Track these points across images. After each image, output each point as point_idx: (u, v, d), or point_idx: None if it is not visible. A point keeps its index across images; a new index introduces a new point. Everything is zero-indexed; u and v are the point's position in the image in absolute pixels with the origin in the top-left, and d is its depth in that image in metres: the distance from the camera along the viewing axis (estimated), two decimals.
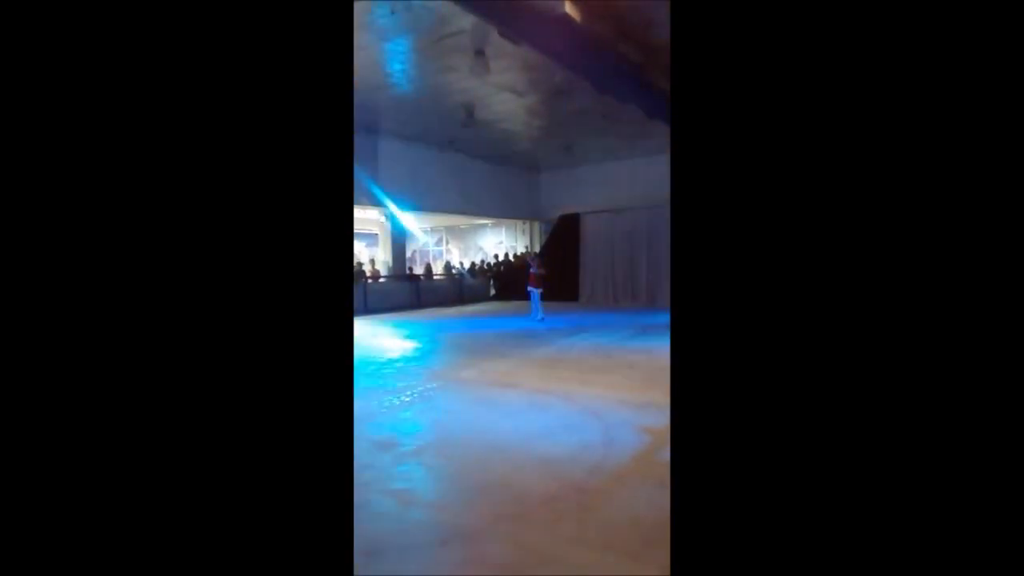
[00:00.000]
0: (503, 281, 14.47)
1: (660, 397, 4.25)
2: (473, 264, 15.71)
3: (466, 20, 5.92)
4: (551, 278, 10.64)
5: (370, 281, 11.73)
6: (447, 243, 19.02)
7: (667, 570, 1.88)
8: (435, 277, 14.18)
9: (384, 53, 7.01)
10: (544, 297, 9.58)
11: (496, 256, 16.05)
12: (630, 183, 13.26)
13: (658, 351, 6.47)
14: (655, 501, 2.44)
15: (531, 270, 9.63)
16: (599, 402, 4.14)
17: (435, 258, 18.05)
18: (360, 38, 6.36)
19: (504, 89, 8.48)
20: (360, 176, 9.97)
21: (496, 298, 14.26)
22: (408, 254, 14.73)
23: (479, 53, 6.75)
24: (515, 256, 15.82)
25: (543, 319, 9.28)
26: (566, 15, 5.55)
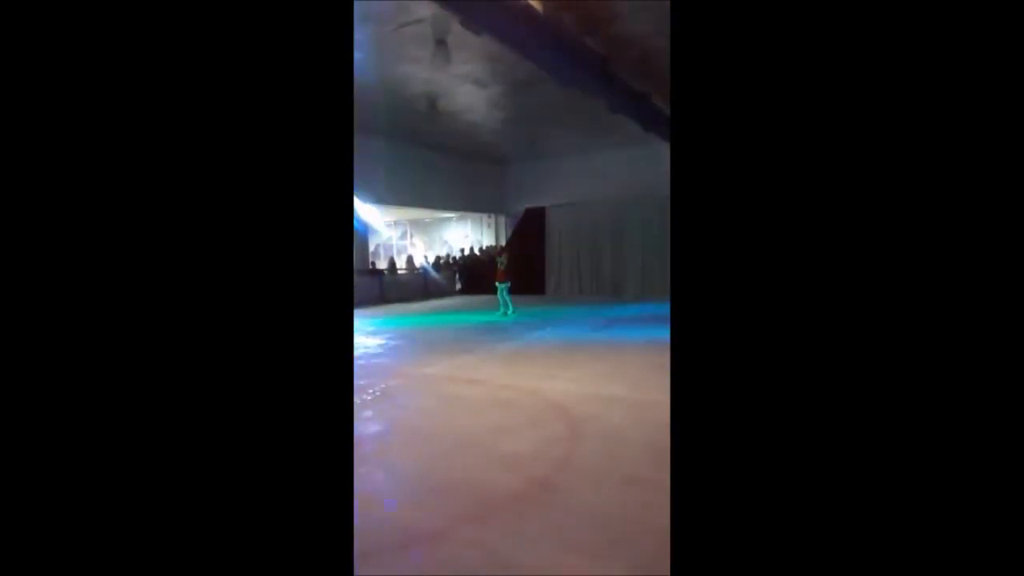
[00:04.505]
0: (469, 275, 14.37)
1: (626, 391, 4.27)
2: (438, 258, 15.54)
3: (426, 9, 5.79)
4: (517, 271, 10.63)
5: None
6: (411, 237, 18.78)
7: (630, 568, 1.86)
8: (399, 272, 13.97)
9: None
10: (511, 291, 9.57)
11: (462, 250, 15.92)
12: (595, 177, 13.31)
13: (623, 344, 6.51)
14: (620, 498, 2.43)
15: (497, 265, 9.63)
16: (565, 396, 4.13)
17: (399, 252, 17.80)
18: None
19: (467, 80, 8.36)
20: None
21: (463, 292, 14.16)
22: (372, 248, 14.46)
23: (440, 43, 6.62)
24: (481, 250, 15.72)
25: (506, 313, 9.28)
26: (529, 6, 5.48)
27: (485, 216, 16.35)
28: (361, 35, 6.69)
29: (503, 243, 14.70)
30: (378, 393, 4.35)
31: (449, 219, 17.63)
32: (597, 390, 4.32)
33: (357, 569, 1.84)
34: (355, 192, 10.76)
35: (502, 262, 9.61)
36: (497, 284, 9.49)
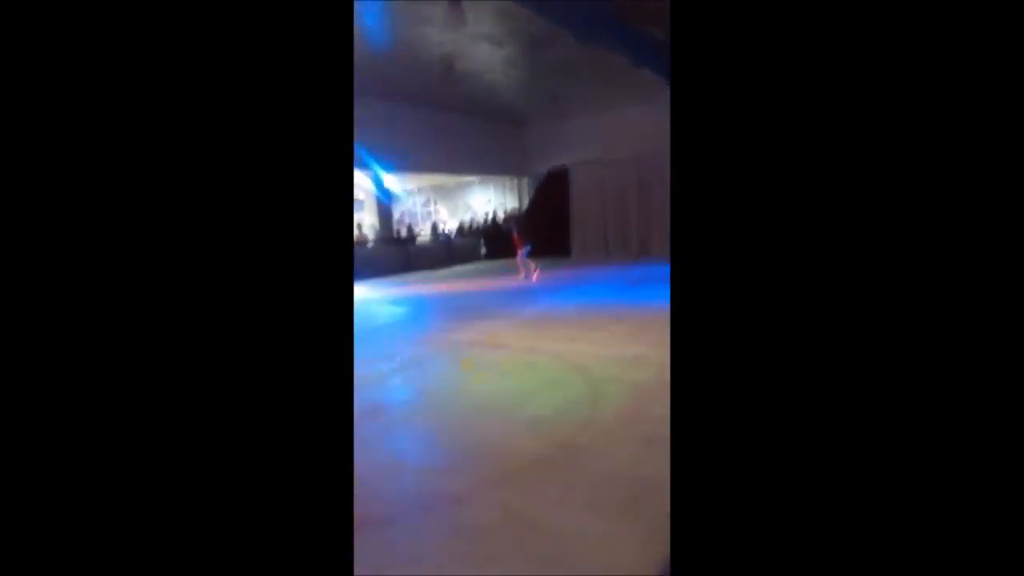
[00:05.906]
0: (493, 240, 14.35)
1: (646, 350, 4.27)
2: (461, 224, 15.52)
3: None
4: (541, 235, 10.60)
5: (357, 247, 11.60)
6: (435, 204, 18.76)
7: (650, 526, 1.90)
8: (419, 239, 14.04)
9: (355, 8, 6.71)
10: (533, 254, 9.55)
11: (485, 215, 15.86)
12: (617, 133, 12.96)
13: (645, 304, 6.47)
14: (639, 457, 2.46)
15: (513, 233, 9.72)
16: (586, 358, 4.15)
17: (424, 219, 17.83)
18: None
19: (482, 40, 8.16)
20: None
21: (487, 257, 14.18)
22: (396, 216, 14.53)
23: (454, 3, 6.45)
24: (505, 213, 15.64)
25: (527, 277, 9.30)
26: None
27: (507, 179, 16.18)
28: (374, 1, 6.56)
29: (526, 206, 14.59)
30: (405, 361, 4.45)
31: (471, 184, 17.51)
32: (619, 351, 4.33)
33: (383, 534, 1.93)
34: (377, 161, 10.78)
35: (513, 228, 9.73)
36: (518, 250, 9.50)
